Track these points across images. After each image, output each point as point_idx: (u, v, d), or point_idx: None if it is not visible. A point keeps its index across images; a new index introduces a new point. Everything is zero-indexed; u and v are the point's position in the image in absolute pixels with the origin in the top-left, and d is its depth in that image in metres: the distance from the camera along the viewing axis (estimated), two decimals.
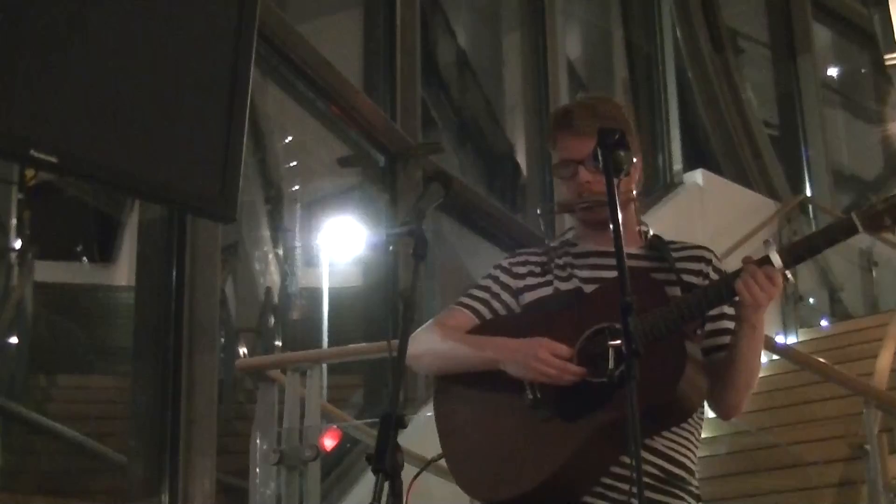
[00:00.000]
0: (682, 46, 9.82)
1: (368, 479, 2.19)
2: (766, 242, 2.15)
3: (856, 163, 12.08)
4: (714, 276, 2.23)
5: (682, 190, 8.70)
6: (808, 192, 10.43)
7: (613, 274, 2.14)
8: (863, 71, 12.49)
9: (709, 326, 2.19)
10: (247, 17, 2.93)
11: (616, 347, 2.00)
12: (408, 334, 1.87)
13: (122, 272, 9.89)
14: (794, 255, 2.10)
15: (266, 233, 8.83)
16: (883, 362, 5.69)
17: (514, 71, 8.01)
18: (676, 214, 8.39)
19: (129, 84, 2.69)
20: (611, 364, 2.02)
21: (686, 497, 2.12)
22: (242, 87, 2.90)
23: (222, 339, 6.80)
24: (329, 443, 4.65)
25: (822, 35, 11.82)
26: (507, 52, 8.28)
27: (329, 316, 7.70)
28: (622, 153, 1.98)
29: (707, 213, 8.59)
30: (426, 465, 2.23)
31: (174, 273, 4.29)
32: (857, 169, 12.06)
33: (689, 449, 2.16)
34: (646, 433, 2.06)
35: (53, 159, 2.50)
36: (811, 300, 9.37)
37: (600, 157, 1.96)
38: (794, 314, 9.04)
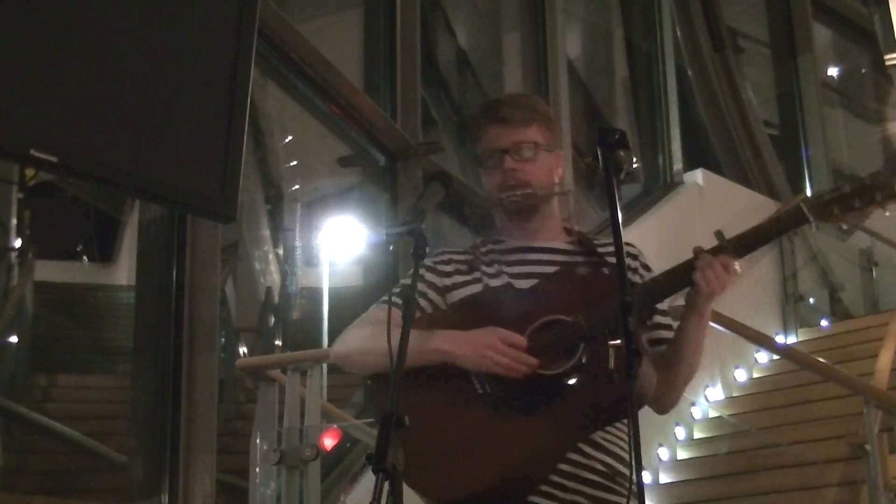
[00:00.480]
0: (683, 46, 9.82)
1: (368, 479, 2.18)
2: (717, 233, 2.16)
3: (856, 162, 12.08)
4: (643, 271, 2.27)
5: (682, 190, 8.69)
6: (809, 192, 10.43)
7: (543, 269, 2.21)
8: (863, 71, 12.50)
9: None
10: (247, 17, 2.93)
11: (616, 347, 2.00)
12: (408, 334, 1.85)
13: (122, 272, 9.90)
14: (746, 244, 2.12)
15: (266, 232, 8.84)
16: (883, 362, 5.70)
17: (515, 70, 8.01)
18: (676, 214, 8.38)
19: (128, 84, 2.69)
20: (611, 364, 2.01)
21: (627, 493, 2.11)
22: (242, 87, 2.89)
23: (222, 339, 6.80)
24: (329, 442, 4.65)
25: (822, 35, 11.82)
26: (508, 52, 8.28)
27: (329, 316, 7.69)
28: (622, 153, 1.98)
29: (707, 213, 8.59)
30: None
31: (174, 273, 4.28)
32: (857, 168, 12.05)
33: (625, 443, 2.15)
34: (595, 426, 2.07)
35: (53, 159, 2.50)
36: (811, 300, 9.37)
37: (600, 157, 1.96)
38: (794, 314, 9.05)
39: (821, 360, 5.72)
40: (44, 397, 7.17)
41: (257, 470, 3.82)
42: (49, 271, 8.64)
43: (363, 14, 6.53)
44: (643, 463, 2.19)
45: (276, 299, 8.47)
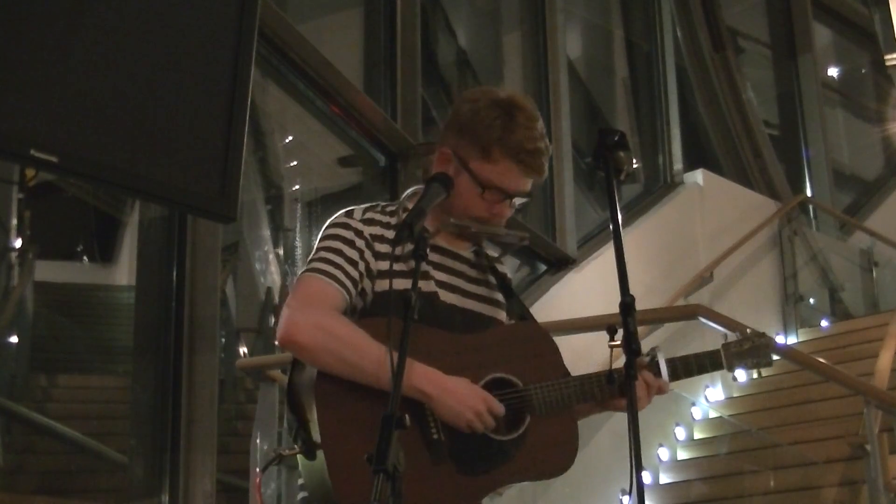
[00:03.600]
0: (683, 46, 9.82)
1: None
2: (654, 349, 2.24)
3: (856, 163, 12.08)
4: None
5: (682, 190, 8.69)
6: (809, 192, 10.44)
7: (462, 284, 2.19)
8: (863, 71, 12.50)
9: None
10: (247, 17, 2.93)
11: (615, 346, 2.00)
12: (408, 334, 1.82)
13: (122, 272, 9.90)
14: (675, 372, 2.23)
15: (266, 232, 8.84)
16: (883, 362, 5.69)
17: (515, 70, 8.01)
18: (676, 214, 8.39)
19: (129, 84, 2.69)
20: (611, 365, 2.02)
21: None
22: (242, 87, 2.90)
23: (223, 339, 6.80)
24: None
25: (822, 35, 11.82)
26: (508, 52, 8.28)
27: None
28: (622, 154, 1.98)
29: (707, 213, 8.59)
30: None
31: (174, 273, 4.28)
32: (857, 169, 12.06)
33: None
34: (521, 481, 2.12)
35: (53, 159, 2.50)
36: (811, 300, 9.37)
37: (600, 158, 1.96)
38: (794, 314, 9.05)
39: (821, 360, 5.71)
40: (44, 397, 7.16)
41: (257, 470, 3.82)
42: (49, 271, 8.63)
43: (363, 14, 6.53)
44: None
45: (277, 299, 8.47)
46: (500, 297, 2.25)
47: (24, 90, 2.50)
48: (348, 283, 2.07)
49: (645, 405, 2.15)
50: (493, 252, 2.32)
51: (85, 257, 10.11)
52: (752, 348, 2.33)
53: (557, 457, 2.09)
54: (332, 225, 2.16)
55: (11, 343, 7.10)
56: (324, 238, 2.14)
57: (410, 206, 2.13)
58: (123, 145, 2.66)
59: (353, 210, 2.18)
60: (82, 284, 9.82)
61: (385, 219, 2.16)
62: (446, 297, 2.14)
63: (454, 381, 2.01)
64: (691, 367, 2.26)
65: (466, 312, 2.17)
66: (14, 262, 7.36)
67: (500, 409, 2.03)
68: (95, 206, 9.65)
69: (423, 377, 1.98)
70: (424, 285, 2.08)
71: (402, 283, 1.99)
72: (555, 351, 2.17)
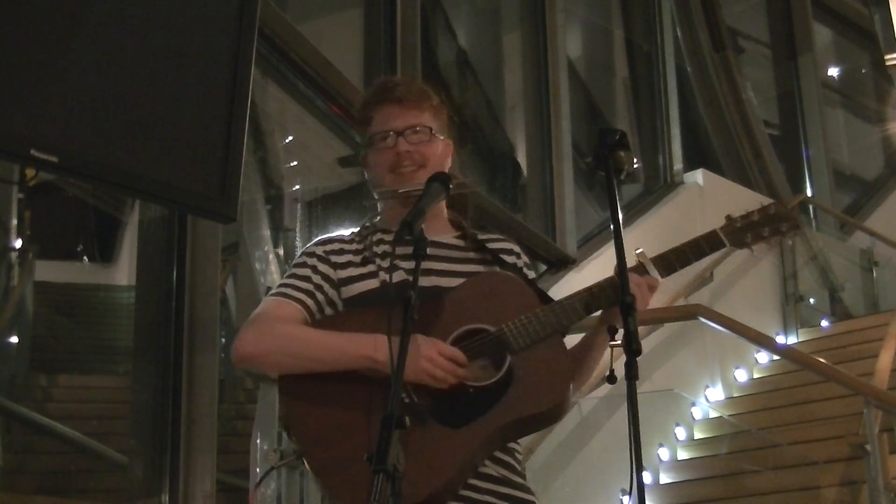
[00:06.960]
0: (683, 46, 9.82)
1: None
2: (639, 252, 2.17)
3: (856, 162, 12.08)
4: (526, 270, 2.27)
5: (682, 190, 8.69)
6: (809, 192, 10.44)
7: (437, 265, 2.16)
8: (863, 71, 12.50)
9: None
10: (247, 17, 2.93)
11: (614, 347, 1.99)
12: (408, 334, 1.83)
13: (122, 272, 9.90)
14: (667, 265, 2.18)
15: (266, 232, 8.84)
16: (883, 362, 5.69)
17: (515, 70, 8.01)
18: (676, 214, 8.38)
19: (129, 84, 2.69)
20: (611, 364, 2.01)
21: (524, 493, 2.11)
22: (242, 87, 2.90)
23: (223, 339, 6.79)
24: None
25: (822, 35, 11.82)
26: (508, 52, 8.28)
27: None
28: (623, 153, 1.97)
29: (707, 213, 8.58)
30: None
31: (174, 273, 4.28)
32: (857, 169, 12.06)
33: (518, 455, 2.17)
34: (516, 437, 2.08)
35: (53, 159, 2.50)
36: (811, 300, 9.37)
37: (601, 158, 1.96)
38: (794, 314, 9.05)
39: (821, 360, 5.72)
40: (44, 397, 7.16)
41: (258, 470, 3.82)
42: (49, 271, 8.63)
43: (363, 14, 6.53)
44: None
45: None
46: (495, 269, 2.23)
47: (24, 90, 2.50)
48: (301, 295, 2.14)
49: (643, 306, 2.06)
50: (495, 234, 2.35)
51: (85, 257, 10.11)
52: (763, 218, 2.26)
53: (549, 385, 2.02)
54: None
55: (11, 343, 7.10)
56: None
57: (371, 235, 2.23)
58: (123, 145, 2.66)
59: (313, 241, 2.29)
60: (82, 284, 9.82)
61: (343, 238, 2.26)
62: (421, 281, 2.10)
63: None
64: (685, 255, 2.21)
65: (437, 290, 2.14)
66: (14, 262, 7.36)
67: (453, 351, 2.00)
68: (95, 206, 9.65)
69: (371, 344, 2.00)
70: (396, 276, 2.11)
71: (369, 284, 2.13)
72: (523, 290, 2.13)
